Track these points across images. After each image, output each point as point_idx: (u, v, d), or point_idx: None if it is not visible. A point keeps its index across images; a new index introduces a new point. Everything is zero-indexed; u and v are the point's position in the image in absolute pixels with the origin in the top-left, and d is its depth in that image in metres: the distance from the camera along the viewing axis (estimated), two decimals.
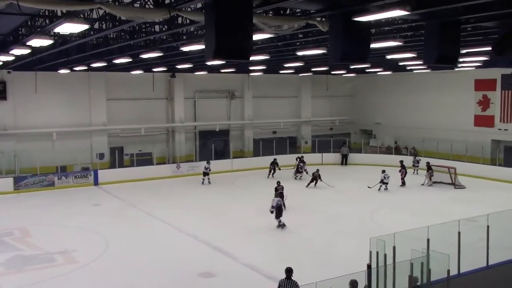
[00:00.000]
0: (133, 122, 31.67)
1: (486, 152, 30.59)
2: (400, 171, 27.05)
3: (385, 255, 10.84)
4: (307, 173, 28.35)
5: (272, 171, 29.21)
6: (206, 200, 24.08)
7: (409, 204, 22.96)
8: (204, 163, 28.42)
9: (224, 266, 14.80)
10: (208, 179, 27.62)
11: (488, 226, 12.74)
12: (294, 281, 10.26)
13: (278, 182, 22.23)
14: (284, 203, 19.11)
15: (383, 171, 25.25)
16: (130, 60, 19.82)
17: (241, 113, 36.42)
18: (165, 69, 28.46)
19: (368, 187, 25.25)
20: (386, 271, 10.73)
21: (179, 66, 25.76)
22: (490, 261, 12.86)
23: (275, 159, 29.92)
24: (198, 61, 21.87)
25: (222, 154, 33.80)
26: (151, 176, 29.05)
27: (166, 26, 13.48)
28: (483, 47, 16.05)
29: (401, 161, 27.71)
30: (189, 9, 10.59)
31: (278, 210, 18.41)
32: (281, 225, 18.48)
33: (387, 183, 25.05)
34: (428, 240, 11.41)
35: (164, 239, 17.67)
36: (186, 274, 14.18)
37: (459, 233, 12.32)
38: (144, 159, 30.95)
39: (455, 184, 26.43)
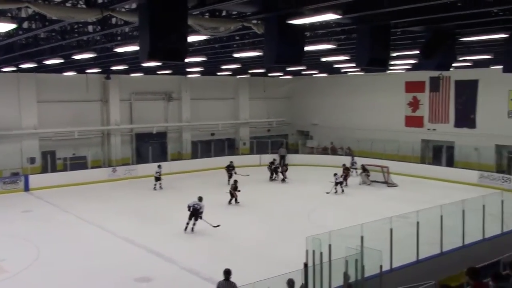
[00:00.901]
0: (66, 125, 30.56)
1: (416, 151, 31.94)
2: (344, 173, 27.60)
3: (321, 253, 11.08)
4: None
5: (228, 176, 27.65)
6: (144, 203, 23.66)
7: (345, 203, 23.56)
8: (149, 166, 28.09)
9: (162, 270, 14.61)
10: (160, 184, 26.75)
11: (418, 223, 13.32)
12: (233, 282, 10.29)
13: (235, 181, 23.15)
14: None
15: (335, 174, 25.53)
16: (62, 61, 19.16)
17: (178, 115, 36.06)
18: (99, 70, 27.70)
19: (326, 192, 25.14)
20: (322, 269, 10.97)
21: (114, 68, 25.17)
22: (420, 256, 13.44)
23: (231, 162, 28.91)
24: (133, 62, 21.46)
25: (160, 156, 33.30)
26: (86, 180, 28.21)
27: (99, 27, 13.15)
28: (412, 50, 16.74)
29: (344, 165, 28.24)
30: (123, 9, 10.38)
31: (194, 212, 18.29)
32: (190, 228, 18.37)
33: (341, 182, 25.45)
34: (362, 237, 11.76)
35: (99, 245, 17.20)
36: (122, 280, 13.89)
37: (391, 229, 12.79)
38: (78, 163, 29.99)
39: (387, 183, 27.42)
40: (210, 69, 27.90)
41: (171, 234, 18.40)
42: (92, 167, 30.04)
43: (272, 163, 29.92)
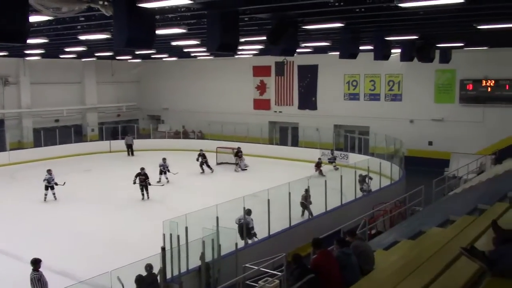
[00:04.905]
0: None
1: (264, 133, 33.51)
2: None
3: (178, 236, 11.24)
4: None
5: (163, 175, 23.69)
6: None
7: (198, 186, 23.88)
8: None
9: (9, 269, 13.56)
10: (54, 194, 20.90)
11: (268, 200, 14.09)
12: (39, 272, 10.04)
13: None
14: None
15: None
16: None
17: (17, 100, 33.28)
18: None
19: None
20: (179, 251, 11.14)
21: None
22: (272, 231, 14.29)
23: (164, 160, 24.26)
24: None
25: None
26: None
27: None
28: (259, 36, 17.40)
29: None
30: None
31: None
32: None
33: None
34: (217, 218, 12.15)
35: None
36: None
37: (244, 208, 13.38)
38: None
39: (244, 163, 28.36)
40: (52, 51, 26.08)
41: (18, 228, 17.12)
42: None
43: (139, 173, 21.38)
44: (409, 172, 22.56)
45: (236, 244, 12.26)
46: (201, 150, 27.26)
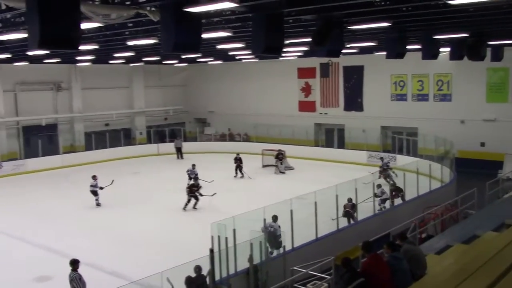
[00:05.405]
0: None
1: (310, 135, 33.31)
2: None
3: (226, 238, 11.30)
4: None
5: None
6: (36, 200, 22.36)
7: (245, 188, 23.95)
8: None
9: (62, 268, 13.93)
10: (97, 199, 21.00)
11: (315, 203, 13.97)
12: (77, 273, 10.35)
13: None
14: None
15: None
16: None
17: (69, 105, 34.39)
18: None
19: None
20: (227, 253, 11.19)
21: None
22: (319, 234, 14.15)
23: (193, 166, 24.08)
24: (17, 50, 20.04)
25: (51, 149, 31.60)
26: None
27: None
28: (304, 38, 17.32)
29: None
30: None
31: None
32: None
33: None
34: (264, 220, 12.15)
35: None
36: (20, 280, 13.16)
37: (291, 211, 13.30)
38: None
39: (285, 166, 28.28)
40: (101, 57, 26.83)
41: (71, 229, 17.66)
42: None
43: (193, 185, 21.19)
44: (460, 174, 21.88)
45: (284, 246, 12.21)
46: (237, 154, 27.25)
